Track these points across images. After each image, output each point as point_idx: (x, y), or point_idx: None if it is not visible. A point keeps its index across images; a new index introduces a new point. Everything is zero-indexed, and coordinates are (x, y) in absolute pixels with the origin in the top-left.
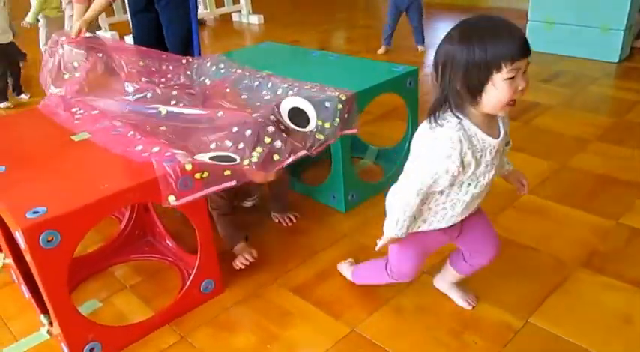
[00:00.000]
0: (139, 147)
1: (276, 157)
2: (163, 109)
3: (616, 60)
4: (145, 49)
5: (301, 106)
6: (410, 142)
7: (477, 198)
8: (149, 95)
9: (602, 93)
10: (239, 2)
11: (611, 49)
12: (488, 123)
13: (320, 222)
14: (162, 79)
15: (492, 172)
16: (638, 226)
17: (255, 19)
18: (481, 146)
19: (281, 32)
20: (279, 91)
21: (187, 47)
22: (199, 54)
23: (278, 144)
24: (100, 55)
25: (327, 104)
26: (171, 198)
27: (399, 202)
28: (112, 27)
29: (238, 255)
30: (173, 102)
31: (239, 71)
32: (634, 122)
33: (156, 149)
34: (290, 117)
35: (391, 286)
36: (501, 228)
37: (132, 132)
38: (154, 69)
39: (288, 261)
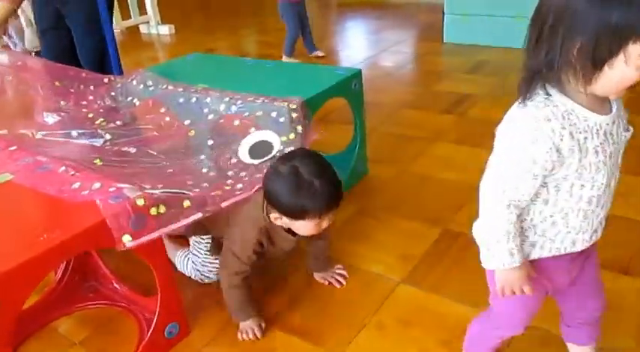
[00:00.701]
0: (76, 185)
1: (239, 186)
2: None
3: None
4: (61, 66)
5: (265, 138)
6: (359, 145)
7: (599, 206)
8: (74, 134)
9: None
10: (146, 13)
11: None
12: (594, 99)
13: None
14: (84, 102)
15: (610, 162)
16: None
17: (165, 30)
18: (583, 125)
19: (195, 41)
20: (222, 107)
21: (103, 61)
22: (121, 70)
23: (243, 174)
24: (9, 77)
25: (282, 119)
26: (127, 239)
27: (483, 215)
28: None
29: (243, 328)
30: (103, 135)
31: (170, 87)
32: None
33: (97, 185)
34: (250, 154)
35: (368, 304)
36: (465, 226)
37: (63, 168)
38: (72, 90)
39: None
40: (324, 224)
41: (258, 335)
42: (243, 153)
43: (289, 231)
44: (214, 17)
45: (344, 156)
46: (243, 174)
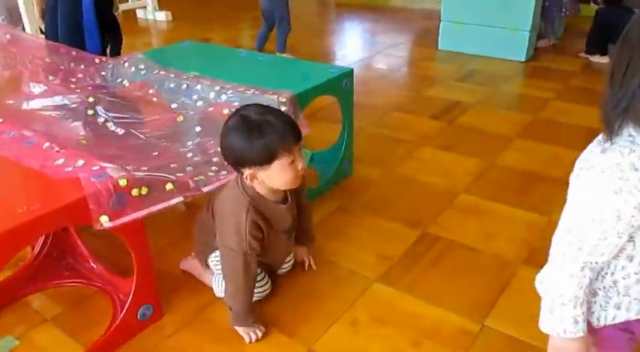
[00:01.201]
0: (60, 161)
1: (218, 174)
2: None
3: (523, 59)
4: (52, 43)
5: None
6: (346, 144)
7: None
8: (58, 99)
9: (515, 91)
10: None
11: (519, 48)
12: None
13: None
14: (73, 79)
15: None
16: None
17: (162, 16)
18: None
19: (191, 30)
20: (212, 95)
21: (78, 44)
22: (100, 51)
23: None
24: None
25: None
26: (104, 219)
27: (552, 272)
28: None
29: (246, 330)
30: (91, 113)
31: (162, 73)
32: (550, 119)
33: (81, 163)
34: None
35: (342, 300)
36: (444, 230)
37: (48, 144)
38: (62, 67)
39: None
40: (299, 164)
41: (263, 331)
42: None
43: (276, 202)
44: (212, 8)
45: (330, 154)
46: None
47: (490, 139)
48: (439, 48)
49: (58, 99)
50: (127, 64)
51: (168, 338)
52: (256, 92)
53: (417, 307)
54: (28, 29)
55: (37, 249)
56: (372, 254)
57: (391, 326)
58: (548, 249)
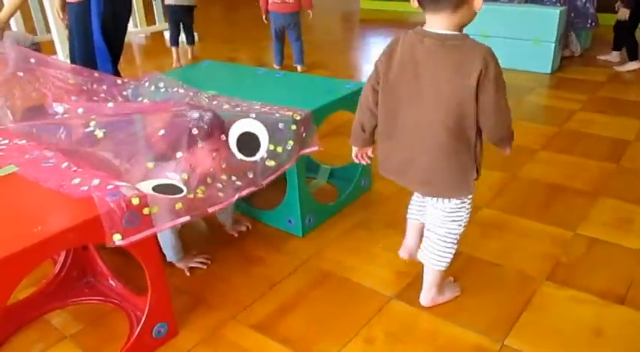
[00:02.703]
0: (76, 181)
1: (220, 194)
2: (99, 132)
3: (549, 71)
4: (76, 66)
5: (253, 130)
6: None
7: None
8: (81, 110)
9: (540, 103)
10: None
11: (544, 60)
12: None
13: (277, 249)
14: (95, 98)
15: None
16: (595, 236)
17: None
18: None
19: (216, 50)
20: (225, 107)
21: (91, 66)
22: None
23: (224, 178)
24: (21, 73)
25: (281, 125)
26: (117, 237)
27: None
28: None
29: None
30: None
31: (181, 91)
32: (575, 130)
33: (96, 182)
34: (238, 146)
35: (358, 317)
36: (465, 245)
37: (66, 164)
38: (85, 88)
39: (246, 294)
40: None
41: None
42: (232, 142)
43: None
44: (237, 28)
45: (349, 169)
46: (234, 178)
47: (513, 152)
48: None
49: (80, 110)
50: (147, 84)
51: None
52: (270, 109)
53: (434, 324)
54: (60, 54)
55: (58, 267)
56: (391, 270)
57: (408, 345)
58: (573, 264)
